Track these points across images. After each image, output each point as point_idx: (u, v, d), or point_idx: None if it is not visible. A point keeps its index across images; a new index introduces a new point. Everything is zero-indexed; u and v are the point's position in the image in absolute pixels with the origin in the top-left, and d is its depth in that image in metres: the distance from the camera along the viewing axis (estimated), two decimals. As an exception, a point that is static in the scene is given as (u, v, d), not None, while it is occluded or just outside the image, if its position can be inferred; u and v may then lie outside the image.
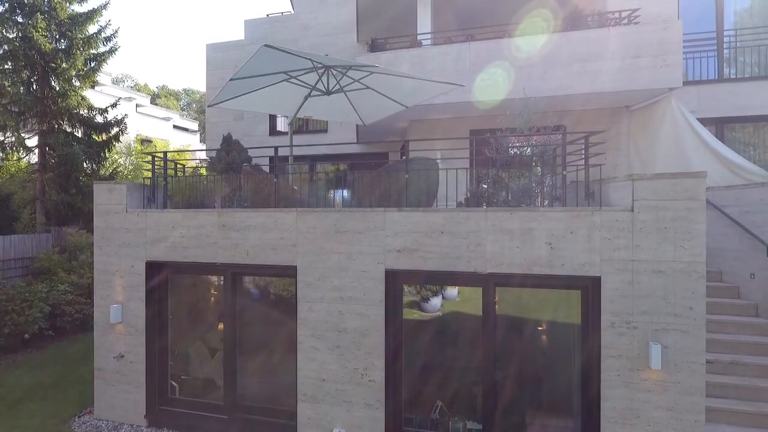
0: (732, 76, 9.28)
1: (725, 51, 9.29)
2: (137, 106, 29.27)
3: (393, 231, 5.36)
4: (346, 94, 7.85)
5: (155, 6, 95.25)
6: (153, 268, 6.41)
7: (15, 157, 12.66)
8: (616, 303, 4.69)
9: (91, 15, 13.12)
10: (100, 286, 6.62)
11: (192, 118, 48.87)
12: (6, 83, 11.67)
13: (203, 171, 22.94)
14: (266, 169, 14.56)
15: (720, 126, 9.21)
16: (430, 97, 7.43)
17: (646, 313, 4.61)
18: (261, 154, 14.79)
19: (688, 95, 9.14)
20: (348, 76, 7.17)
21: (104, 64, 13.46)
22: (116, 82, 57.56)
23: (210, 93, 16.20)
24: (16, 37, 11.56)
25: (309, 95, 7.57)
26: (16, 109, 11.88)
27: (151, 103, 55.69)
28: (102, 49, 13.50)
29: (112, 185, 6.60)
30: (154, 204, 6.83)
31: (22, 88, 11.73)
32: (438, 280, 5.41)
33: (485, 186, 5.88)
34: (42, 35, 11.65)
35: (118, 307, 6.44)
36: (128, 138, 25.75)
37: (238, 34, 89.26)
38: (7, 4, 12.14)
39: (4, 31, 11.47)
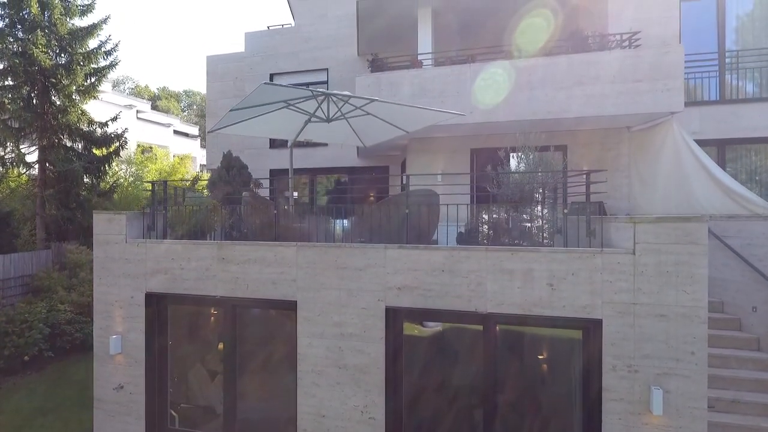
0: (734, 97, 9.25)
1: (727, 72, 9.26)
2: (138, 112, 29.20)
3: (393, 268, 5.34)
4: (347, 120, 7.83)
5: (156, 6, 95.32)
6: (153, 299, 6.40)
7: (15, 173, 12.65)
8: (618, 346, 4.67)
9: (92, 30, 13.10)
10: (99, 316, 6.60)
11: (192, 122, 48.80)
12: (6, 100, 11.66)
13: (202, 184, 22.82)
14: (267, 182, 14.55)
15: (722, 147, 9.19)
16: (430, 124, 7.40)
17: (648, 356, 4.59)
18: (262, 166, 14.79)
19: (690, 116, 9.11)
20: (349, 104, 7.15)
21: (104, 78, 13.44)
22: (117, 84, 57.61)
23: (211, 104, 16.20)
24: (15, 53, 11.54)
25: (309, 120, 7.55)
26: (16, 125, 11.87)
27: (151, 106, 55.67)
28: (102, 63, 13.51)
29: (112, 215, 6.59)
30: (153, 232, 6.80)
31: (21, 103, 11.70)
32: (439, 317, 5.39)
33: (485, 216, 5.85)
34: (42, 51, 11.64)
35: (118, 338, 6.42)
36: (129, 148, 25.86)
37: (239, 36, 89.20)
38: (7, 20, 12.13)
39: (4, 47, 11.46)
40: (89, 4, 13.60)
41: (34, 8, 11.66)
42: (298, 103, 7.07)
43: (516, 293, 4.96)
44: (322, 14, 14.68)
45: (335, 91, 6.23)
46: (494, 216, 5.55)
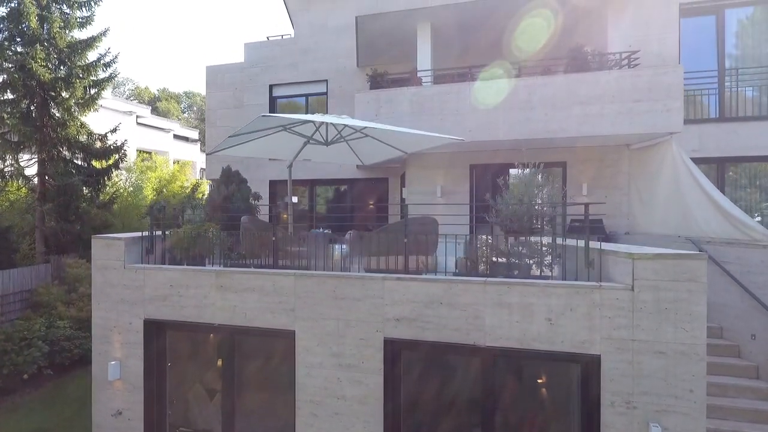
0: (734, 115, 9.23)
1: (726, 89, 9.25)
2: (138, 117, 29.20)
3: (391, 299, 5.33)
4: (347, 142, 7.82)
5: (156, 8, 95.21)
6: (151, 325, 6.39)
7: (15, 186, 12.64)
8: (616, 382, 4.66)
9: (91, 42, 13.09)
10: (98, 341, 6.60)
11: (192, 125, 48.77)
12: (5, 114, 11.65)
13: (203, 191, 22.80)
14: (265, 192, 14.54)
15: (722, 165, 9.17)
16: (430, 146, 7.38)
17: (647, 393, 4.58)
18: (262, 176, 14.77)
19: (690, 134, 9.10)
20: (349, 126, 7.13)
21: (104, 91, 13.44)
22: (117, 86, 57.53)
23: (210, 115, 16.22)
24: (14, 68, 11.52)
25: (307, 143, 7.55)
26: (15, 139, 11.86)
27: (151, 108, 55.55)
28: (102, 75, 13.49)
29: (110, 240, 6.58)
30: (152, 256, 6.79)
31: (20, 117, 11.68)
32: (437, 350, 5.38)
33: (484, 248, 5.83)
34: (41, 65, 11.63)
35: (117, 364, 6.41)
36: (129, 157, 25.83)
37: (240, 42, 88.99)
38: (6, 33, 12.12)
39: (2, 62, 11.45)
40: (88, 17, 13.59)
41: (33, 22, 11.64)
42: (296, 126, 7.06)
43: (514, 327, 4.94)
44: (322, 25, 14.67)
45: (333, 118, 6.20)
46: (492, 248, 5.54)
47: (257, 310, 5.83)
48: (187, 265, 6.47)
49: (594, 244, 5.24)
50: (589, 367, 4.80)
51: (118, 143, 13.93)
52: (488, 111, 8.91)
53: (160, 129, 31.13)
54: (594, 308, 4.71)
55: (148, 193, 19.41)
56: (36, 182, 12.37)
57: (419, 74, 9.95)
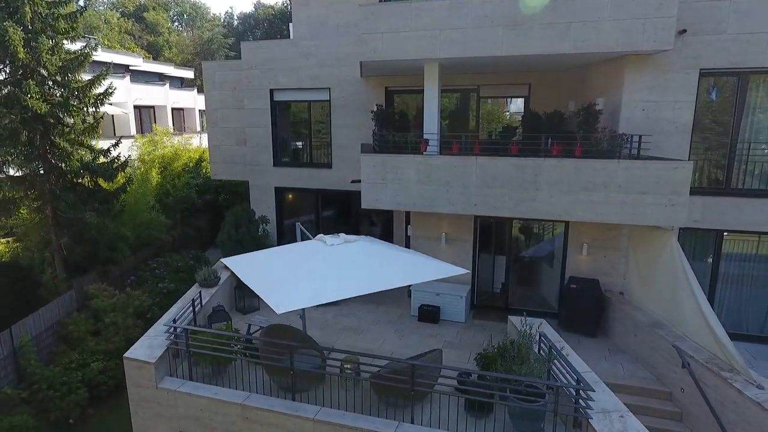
0: (739, 187, 9.25)
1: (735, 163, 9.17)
2: (131, 73, 28.21)
3: (400, 454, 6.05)
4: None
5: None
6: (187, 439, 7.22)
7: (28, 216, 12.84)
8: None
9: (83, 59, 12.50)
10: (140, 442, 7.49)
11: (186, 61, 46.49)
12: (9, 158, 11.53)
13: (205, 166, 22.23)
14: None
15: (719, 236, 9.40)
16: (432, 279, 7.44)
17: None
18: (266, 182, 14.84)
19: (693, 205, 9.16)
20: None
21: (102, 105, 13.15)
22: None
23: (211, 114, 15.89)
24: (14, 111, 11.18)
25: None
26: (20, 173, 11.85)
27: (136, 18, 52.08)
28: (99, 90, 13.08)
29: (141, 363, 7.18)
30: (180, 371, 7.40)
31: (25, 156, 11.59)
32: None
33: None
34: (36, 99, 11.24)
35: (159, 466, 7.35)
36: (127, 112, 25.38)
37: None
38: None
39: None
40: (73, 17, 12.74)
41: (21, 53, 11.05)
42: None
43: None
44: (321, 28, 13.82)
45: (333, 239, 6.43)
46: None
47: (281, 442, 6.60)
48: (211, 382, 7.13)
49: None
50: None
51: (123, 159, 13.86)
52: (495, 188, 8.96)
53: (156, 83, 30.14)
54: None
55: (154, 177, 19.49)
56: (48, 212, 12.58)
57: (425, 136, 9.73)
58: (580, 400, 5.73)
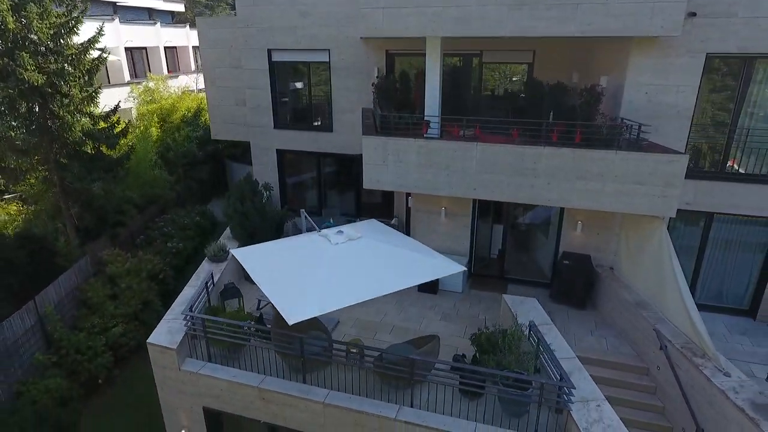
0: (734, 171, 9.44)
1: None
2: (118, 8, 26.93)
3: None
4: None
5: None
6: (211, 412, 8.03)
7: (39, 189, 13.03)
8: None
9: (74, 23, 12.06)
10: (167, 413, 8.36)
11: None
12: (12, 133, 11.48)
13: (204, 117, 21.76)
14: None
15: (710, 217, 9.72)
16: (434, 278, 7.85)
17: None
18: (268, 144, 14.89)
19: (686, 187, 9.38)
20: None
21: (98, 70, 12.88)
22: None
23: (208, 72, 15.56)
24: (13, 86, 10.98)
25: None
26: (24, 148, 11.89)
27: None
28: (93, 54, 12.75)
29: (164, 348, 7.83)
30: (199, 350, 8.09)
31: (25, 130, 11.58)
32: None
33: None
34: (31, 72, 11.02)
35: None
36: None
37: None
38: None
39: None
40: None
41: (11, 22, 10.66)
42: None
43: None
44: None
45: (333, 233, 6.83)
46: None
47: (293, 419, 7.40)
48: (227, 363, 7.85)
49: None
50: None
51: (122, 124, 13.82)
52: (494, 174, 9.14)
53: (145, 22, 28.86)
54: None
55: (154, 132, 19.41)
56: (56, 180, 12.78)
57: (426, 118, 9.72)
58: (563, 395, 6.38)
